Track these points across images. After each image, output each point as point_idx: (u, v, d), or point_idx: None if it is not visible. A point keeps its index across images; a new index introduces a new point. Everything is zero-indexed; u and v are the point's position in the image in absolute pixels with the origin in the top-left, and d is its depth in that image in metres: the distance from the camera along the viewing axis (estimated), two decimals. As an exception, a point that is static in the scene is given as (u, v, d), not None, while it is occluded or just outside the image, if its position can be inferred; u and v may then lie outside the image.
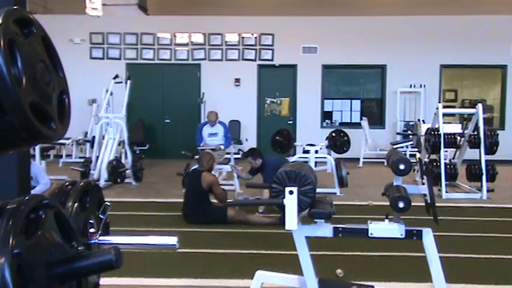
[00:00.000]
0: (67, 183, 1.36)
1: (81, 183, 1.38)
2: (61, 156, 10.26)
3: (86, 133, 10.20)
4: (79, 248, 0.95)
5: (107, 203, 1.46)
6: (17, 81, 0.79)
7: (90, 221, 1.36)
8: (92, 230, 1.35)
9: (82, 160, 8.31)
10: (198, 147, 7.69)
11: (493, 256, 4.15)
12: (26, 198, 0.84)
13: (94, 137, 8.72)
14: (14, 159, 1.36)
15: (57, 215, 0.91)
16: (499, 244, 4.59)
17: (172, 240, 1.37)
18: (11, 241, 0.74)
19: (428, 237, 2.73)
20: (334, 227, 2.81)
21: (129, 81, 8.48)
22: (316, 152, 7.55)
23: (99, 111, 9.33)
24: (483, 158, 6.84)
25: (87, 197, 1.37)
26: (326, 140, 8.24)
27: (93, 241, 1.33)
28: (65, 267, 0.85)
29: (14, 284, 0.71)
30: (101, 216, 1.41)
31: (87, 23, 11.37)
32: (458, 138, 7.25)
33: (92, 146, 8.79)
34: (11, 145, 0.84)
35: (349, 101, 11.63)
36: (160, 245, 1.37)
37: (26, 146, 0.87)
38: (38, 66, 0.86)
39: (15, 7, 0.89)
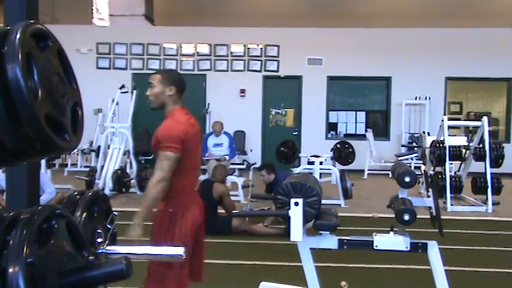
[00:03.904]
0: (75, 193, 1.38)
1: (89, 193, 1.39)
2: (66, 165, 10.29)
3: (92, 142, 10.25)
4: (89, 258, 0.96)
5: (114, 213, 1.47)
6: (34, 94, 0.81)
7: (98, 230, 1.38)
8: (99, 240, 1.36)
9: (87, 169, 8.34)
10: (203, 158, 7.70)
11: (498, 270, 4.13)
12: (39, 208, 0.85)
13: (99, 146, 8.76)
14: (24, 169, 1.38)
15: (69, 224, 0.92)
16: (504, 258, 4.57)
17: (179, 250, 1.38)
18: (24, 250, 0.76)
19: (434, 250, 2.72)
20: (339, 239, 2.81)
21: (135, 91, 8.53)
22: (321, 163, 7.56)
23: (104, 120, 9.38)
24: (488, 170, 6.82)
25: (95, 207, 1.38)
26: (331, 151, 8.24)
27: (100, 251, 1.34)
28: (76, 276, 0.86)
29: (28, 293, 0.72)
30: (108, 226, 1.42)
31: (94, 33, 11.49)
32: (464, 150, 7.24)
33: (97, 156, 8.82)
34: (26, 156, 0.85)
35: (354, 112, 11.65)
36: (167, 255, 1.38)
37: (40, 157, 0.89)
38: (53, 78, 0.88)
39: (31, 21, 0.91)
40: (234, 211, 5.21)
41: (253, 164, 8.14)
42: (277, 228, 5.20)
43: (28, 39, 0.84)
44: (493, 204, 6.76)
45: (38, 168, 1.53)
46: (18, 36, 0.81)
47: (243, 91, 11.40)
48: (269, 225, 5.42)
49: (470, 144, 7.29)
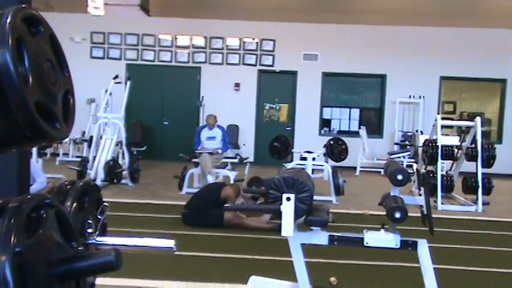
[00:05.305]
0: (66, 183, 1.36)
1: (80, 183, 1.38)
2: (58, 155, 10.24)
3: (84, 132, 10.20)
4: (79, 248, 0.95)
5: (105, 203, 1.46)
6: (24, 80, 0.79)
7: (88, 221, 1.36)
8: (89, 230, 1.35)
9: (79, 159, 8.30)
10: (196, 151, 7.69)
11: (486, 269, 4.16)
12: (28, 197, 0.84)
13: (92, 136, 8.71)
14: (14, 157, 1.36)
15: (58, 214, 0.91)
16: (493, 257, 4.60)
17: (170, 243, 1.37)
18: (12, 239, 0.74)
19: (423, 248, 2.73)
20: (329, 235, 2.81)
21: (128, 82, 8.47)
22: (314, 159, 7.56)
23: (97, 110, 9.33)
24: (480, 171, 6.85)
25: (86, 197, 1.37)
26: (324, 147, 8.24)
27: (90, 241, 1.33)
28: (65, 266, 0.85)
29: (15, 282, 0.71)
30: (99, 216, 1.41)
31: (88, 22, 11.40)
32: (456, 150, 7.27)
33: (89, 146, 8.78)
34: (15, 143, 0.84)
35: (348, 109, 11.67)
36: (158, 247, 1.37)
37: (30, 144, 0.87)
38: (44, 65, 0.87)
39: (23, 5, 0.89)
40: (225, 205, 5.21)
41: (246, 159, 8.13)
42: (270, 222, 5.20)
43: (19, 24, 0.82)
44: (483, 204, 6.80)
45: (29, 157, 1.51)
46: (8, 20, 0.79)
47: (237, 85, 11.37)
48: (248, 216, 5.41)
49: (463, 144, 7.32)
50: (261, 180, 5.91)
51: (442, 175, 7.06)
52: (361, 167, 10.34)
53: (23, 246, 0.76)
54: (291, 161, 8.09)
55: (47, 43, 0.91)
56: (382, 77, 11.42)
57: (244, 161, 7.97)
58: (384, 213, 2.76)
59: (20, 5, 0.87)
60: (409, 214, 2.67)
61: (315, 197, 2.87)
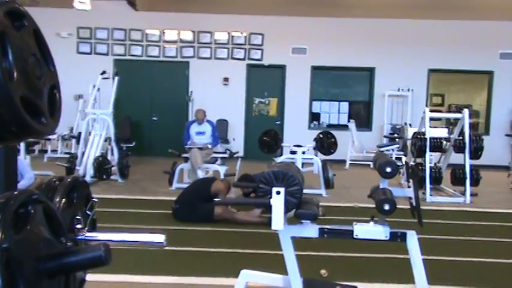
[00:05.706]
0: (54, 179, 1.35)
1: (69, 179, 1.37)
2: (46, 152, 10.15)
3: (72, 129, 10.11)
4: (68, 244, 0.94)
5: (94, 199, 1.46)
6: (8, 75, 0.78)
7: (77, 217, 1.36)
8: (78, 226, 1.34)
9: (68, 156, 8.24)
10: (185, 146, 7.67)
11: (474, 259, 4.21)
12: (15, 192, 0.83)
13: (80, 132, 8.64)
14: (1, 153, 1.35)
15: (46, 210, 0.90)
16: (481, 247, 4.66)
17: (160, 238, 1.36)
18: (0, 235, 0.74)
19: (412, 240, 2.76)
20: (319, 228, 2.82)
21: (116, 77, 8.41)
22: (303, 153, 7.58)
23: (85, 106, 9.26)
24: (468, 162, 6.92)
25: (75, 193, 1.36)
26: (313, 141, 8.26)
27: (80, 237, 1.33)
28: (54, 262, 0.84)
29: (3, 278, 0.70)
30: (88, 212, 1.40)
31: (74, 17, 11.27)
32: (444, 142, 7.33)
33: (77, 142, 8.70)
34: (1, 139, 0.83)
35: (337, 103, 11.69)
36: (147, 243, 1.37)
37: (16, 140, 0.86)
38: (29, 59, 0.86)
39: (6, 0, 0.88)
40: (215, 199, 5.21)
41: (235, 153, 8.13)
42: (262, 216, 5.21)
43: (3, 18, 0.81)
44: (471, 195, 6.87)
45: (16, 153, 1.49)
46: (-9, 14, 0.78)
47: (226, 79, 11.34)
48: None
49: (451, 136, 7.38)
50: (251, 177, 5.92)
51: (430, 167, 7.12)
52: (350, 160, 10.38)
53: (10, 242, 0.75)
54: (281, 155, 8.11)
55: (31, 37, 0.90)
56: (371, 70, 11.46)
57: (234, 156, 7.97)
58: (374, 205, 2.77)
59: (3, 0, 0.86)
60: (398, 206, 2.69)
61: (304, 191, 2.88)
